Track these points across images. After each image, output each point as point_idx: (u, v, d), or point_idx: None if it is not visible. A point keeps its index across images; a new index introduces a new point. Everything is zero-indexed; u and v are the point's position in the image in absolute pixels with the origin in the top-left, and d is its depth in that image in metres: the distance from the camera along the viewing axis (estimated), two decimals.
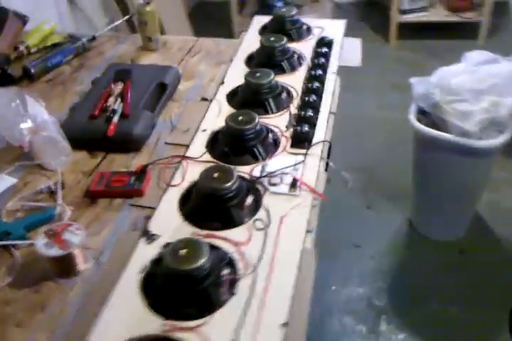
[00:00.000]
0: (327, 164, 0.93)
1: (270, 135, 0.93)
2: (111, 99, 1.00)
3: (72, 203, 0.87)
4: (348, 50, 1.24)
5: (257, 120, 0.90)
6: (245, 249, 0.74)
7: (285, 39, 1.14)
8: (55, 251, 0.69)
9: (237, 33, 2.83)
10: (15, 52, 1.28)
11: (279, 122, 0.99)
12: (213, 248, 0.73)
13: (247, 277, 0.69)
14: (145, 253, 0.73)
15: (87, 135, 0.97)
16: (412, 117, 1.48)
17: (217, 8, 3.19)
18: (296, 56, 1.17)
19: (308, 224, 0.78)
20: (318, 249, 0.76)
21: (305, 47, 1.23)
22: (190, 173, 0.88)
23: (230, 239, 0.75)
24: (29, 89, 1.18)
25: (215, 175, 0.78)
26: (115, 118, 0.96)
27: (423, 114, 1.50)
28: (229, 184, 0.77)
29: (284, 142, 0.94)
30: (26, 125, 0.87)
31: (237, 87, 1.08)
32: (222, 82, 1.12)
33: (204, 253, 0.66)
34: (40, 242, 0.70)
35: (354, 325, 1.52)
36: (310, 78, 1.09)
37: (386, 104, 2.43)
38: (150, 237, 0.76)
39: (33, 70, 1.20)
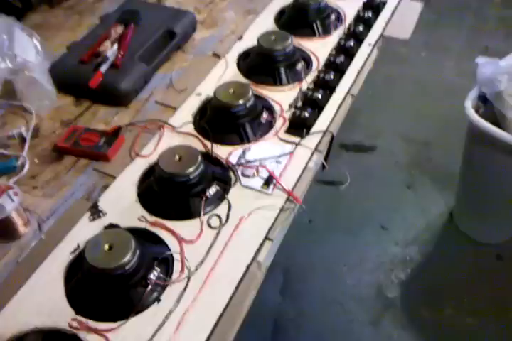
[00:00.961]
0: (325, 159, 0.80)
1: (265, 113, 0.81)
2: (106, 44, 0.90)
3: (39, 155, 0.81)
4: (402, 17, 1.03)
5: (250, 94, 0.77)
6: (190, 248, 0.66)
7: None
8: None
9: None
10: None
11: (284, 98, 0.85)
12: (152, 241, 0.66)
13: (178, 284, 0.62)
14: (84, 231, 0.68)
15: (73, 81, 0.88)
16: (469, 104, 1.24)
17: None
18: (334, 16, 0.99)
19: (270, 232, 0.68)
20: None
21: (351, 6, 1.04)
22: (166, 144, 0.79)
23: (177, 233, 0.67)
24: (45, 15, 1.10)
25: (177, 157, 0.69)
26: (103, 67, 0.86)
27: (484, 102, 1.27)
28: (191, 169, 0.67)
29: (280, 124, 0.81)
30: (3, 65, 0.80)
31: (252, 48, 0.93)
32: (241, 37, 0.98)
33: (129, 250, 0.58)
34: None
35: (355, 312, 1.37)
36: (338, 49, 0.92)
37: (469, 70, 2.03)
38: (95, 213, 0.70)
39: None
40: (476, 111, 1.22)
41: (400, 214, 1.61)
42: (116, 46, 0.91)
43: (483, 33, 2.28)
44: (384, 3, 1.02)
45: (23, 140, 0.83)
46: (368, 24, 0.97)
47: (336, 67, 0.88)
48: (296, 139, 0.78)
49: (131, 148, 0.80)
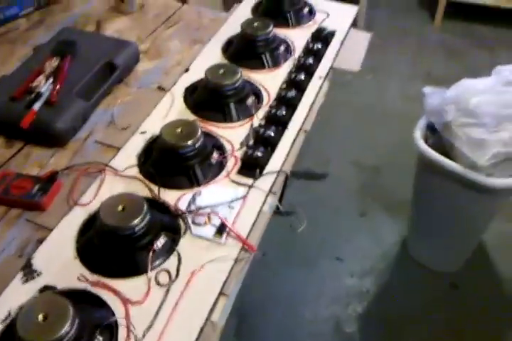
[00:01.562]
0: (280, 200, 0.77)
1: (216, 153, 0.76)
2: (40, 78, 0.83)
3: None
4: (351, 47, 1.03)
5: (199, 133, 0.73)
6: (136, 310, 0.60)
7: (271, 26, 0.93)
8: None
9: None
10: None
11: (235, 135, 0.81)
12: (94, 304, 0.59)
13: None
14: (16, 295, 0.60)
15: (3, 120, 0.80)
16: (418, 134, 1.24)
17: None
18: (283, 48, 0.97)
19: (225, 286, 0.63)
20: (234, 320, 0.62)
21: (300, 36, 1.02)
22: (108, 190, 0.72)
23: (122, 294, 0.61)
24: None
25: (120, 207, 0.63)
26: (36, 105, 0.79)
27: (433, 132, 1.28)
28: (137, 220, 0.62)
29: (232, 164, 0.77)
30: None
31: (200, 81, 0.89)
32: (187, 69, 0.94)
33: (66, 321, 0.52)
34: None
35: None
36: (288, 83, 0.90)
37: (413, 95, 2.00)
38: (29, 273, 0.63)
39: None
40: (425, 141, 1.23)
41: (355, 244, 1.60)
42: (51, 80, 0.84)
43: (425, 57, 2.37)
44: (332, 34, 1.02)
45: None
46: (318, 56, 0.96)
47: (287, 101, 0.86)
48: (249, 181, 0.74)
49: (69, 196, 0.73)
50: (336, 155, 1.86)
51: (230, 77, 0.82)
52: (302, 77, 0.90)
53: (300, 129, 0.84)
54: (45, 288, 0.61)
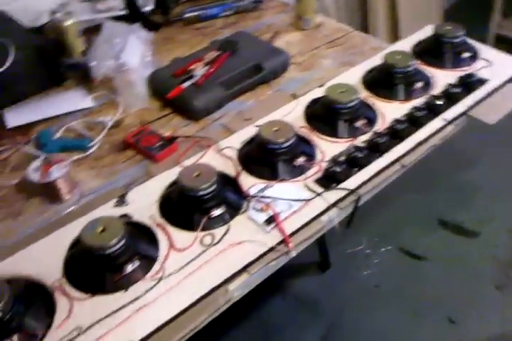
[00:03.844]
0: (350, 220, 0.80)
1: (302, 158, 0.84)
2: (198, 64, 1.02)
3: (110, 143, 0.96)
4: (497, 100, 0.98)
5: (291, 135, 0.82)
6: (175, 255, 0.72)
7: (412, 61, 0.96)
8: (33, 177, 0.79)
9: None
10: None
11: (331, 149, 0.87)
12: (148, 238, 0.74)
13: (149, 281, 0.69)
14: (104, 213, 0.78)
15: (161, 90, 1.02)
16: None
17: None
18: (420, 84, 0.98)
19: (251, 266, 0.71)
20: None
21: (447, 78, 1.01)
22: (205, 160, 0.86)
23: (172, 239, 0.74)
24: (175, 32, 1.29)
25: (196, 174, 0.76)
26: (186, 84, 0.99)
27: None
28: (205, 186, 0.74)
29: (313, 172, 0.83)
30: (108, 62, 0.97)
31: (320, 98, 0.97)
32: (321, 85, 1.03)
33: (116, 237, 0.67)
34: (34, 165, 0.81)
35: None
36: (407, 115, 0.91)
37: None
38: (120, 201, 0.81)
39: (186, 15, 1.29)
40: None
41: (476, 313, 1.45)
42: (206, 68, 1.03)
43: None
44: (482, 82, 0.98)
45: (104, 127, 0.99)
46: (453, 99, 0.94)
47: (395, 132, 0.88)
48: (320, 189, 0.80)
49: (177, 157, 0.89)
50: (497, 217, 1.71)
51: (347, 96, 0.89)
52: (424, 113, 0.90)
53: (395, 161, 0.85)
54: (124, 215, 0.78)
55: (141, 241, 0.73)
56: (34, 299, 0.67)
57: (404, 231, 1.67)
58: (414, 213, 1.73)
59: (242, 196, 0.80)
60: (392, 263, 1.57)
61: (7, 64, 0.98)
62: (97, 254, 0.67)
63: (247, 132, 0.92)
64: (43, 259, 0.72)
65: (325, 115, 0.91)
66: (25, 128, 0.98)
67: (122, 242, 0.68)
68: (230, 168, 0.85)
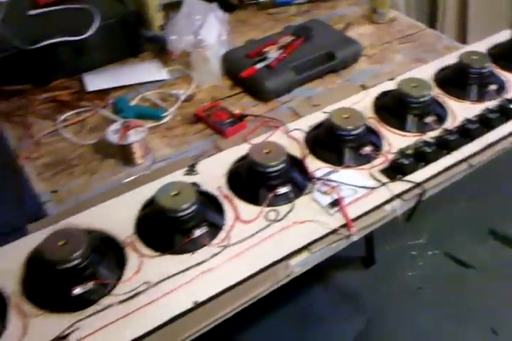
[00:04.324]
0: (411, 213, 0.81)
1: (369, 147, 0.85)
2: (272, 47, 1.05)
3: (182, 115, 0.99)
4: None
5: (360, 124, 0.83)
6: (240, 226, 0.75)
7: (488, 63, 0.95)
8: (112, 138, 0.83)
9: None
10: None
11: (399, 142, 0.88)
12: (215, 208, 0.77)
13: (214, 248, 0.72)
14: (175, 179, 0.82)
15: (233, 69, 1.05)
16: None
17: None
18: (494, 87, 0.97)
19: (313, 245, 0.73)
20: None
21: None
22: (273, 140, 0.89)
23: (238, 211, 0.77)
24: (249, 15, 1.31)
25: (266, 151, 0.78)
26: (259, 65, 1.01)
27: None
28: (276, 162, 0.77)
29: (379, 162, 0.85)
30: (187, 37, 1.00)
31: (393, 90, 0.97)
32: (392, 79, 1.03)
33: (186, 202, 0.70)
34: (113, 127, 0.85)
35: None
36: (479, 116, 0.91)
37: None
38: (191, 170, 0.84)
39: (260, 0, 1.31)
40: None
41: None
42: (279, 52, 1.05)
43: None
44: None
45: (177, 100, 1.03)
46: None
47: (466, 131, 0.88)
48: (385, 179, 0.81)
49: (245, 135, 0.92)
50: None
51: (420, 91, 0.89)
52: (497, 116, 0.90)
53: (463, 160, 0.86)
54: (194, 184, 0.81)
55: (209, 209, 0.76)
56: (107, 251, 0.71)
57: (453, 237, 1.66)
58: (466, 220, 1.71)
59: (308, 177, 0.82)
60: (437, 268, 1.56)
61: (92, 30, 1.03)
62: (168, 216, 0.71)
63: (316, 117, 0.94)
64: (117, 216, 0.76)
65: (395, 108, 0.92)
66: (102, 93, 1.03)
67: (193, 208, 0.71)
68: (296, 150, 0.87)
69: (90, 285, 0.66)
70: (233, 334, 1.39)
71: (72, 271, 0.65)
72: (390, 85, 1.01)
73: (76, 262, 0.65)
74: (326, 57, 1.06)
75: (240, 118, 0.94)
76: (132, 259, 0.71)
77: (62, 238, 0.67)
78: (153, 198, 0.73)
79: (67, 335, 0.63)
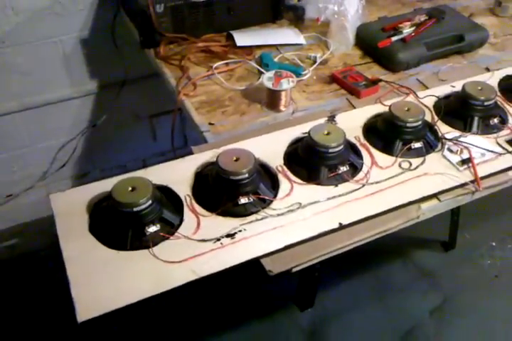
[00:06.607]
0: None
1: (497, 120, 0.93)
2: (406, 24, 1.13)
3: (318, 76, 1.10)
4: None
5: (493, 96, 0.90)
6: (376, 170, 0.85)
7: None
8: (267, 84, 0.95)
9: None
10: None
11: None
12: (355, 153, 0.88)
13: (355, 184, 0.83)
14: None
15: (367, 40, 1.15)
16: None
17: None
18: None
19: (442, 194, 0.82)
20: None
21: None
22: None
23: (375, 159, 0.87)
24: None
25: (406, 108, 0.88)
26: (394, 38, 1.10)
27: None
28: (414, 119, 0.86)
29: (505, 133, 0.92)
30: (331, 6, 1.11)
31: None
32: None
33: (335, 141, 0.81)
34: (267, 74, 0.97)
35: None
36: None
37: None
38: (331, 120, 0.95)
39: None
40: None
41: None
42: (413, 28, 1.13)
43: None
44: None
45: (314, 62, 1.13)
46: None
47: None
48: (511, 149, 0.89)
49: (379, 97, 1.02)
50: None
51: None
52: None
53: None
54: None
55: (351, 152, 0.86)
56: (265, 174, 0.83)
57: None
58: None
59: (438, 138, 0.91)
60: None
61: None
62: (319, 150, 0.82)
63: (444, 89, 1.02)
64: (269, 148, 0.88)
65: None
66: (249, 49, 1.15)
67: (342, 146, 0.82)
68: (427, 115, 0.96)
69: (253, 197, 0.78)
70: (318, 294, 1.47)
71: (240, 182, 0.77)
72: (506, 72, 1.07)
73: (245, 176, 0.77)
74: (455, 38, 1.14)
75: (375, 82, 1.04)
76: (284, 184, 0.83)
77: (234, 155, 0.79)
78: (308, 133, 0.84)
79: (235, 234, 0.75)
